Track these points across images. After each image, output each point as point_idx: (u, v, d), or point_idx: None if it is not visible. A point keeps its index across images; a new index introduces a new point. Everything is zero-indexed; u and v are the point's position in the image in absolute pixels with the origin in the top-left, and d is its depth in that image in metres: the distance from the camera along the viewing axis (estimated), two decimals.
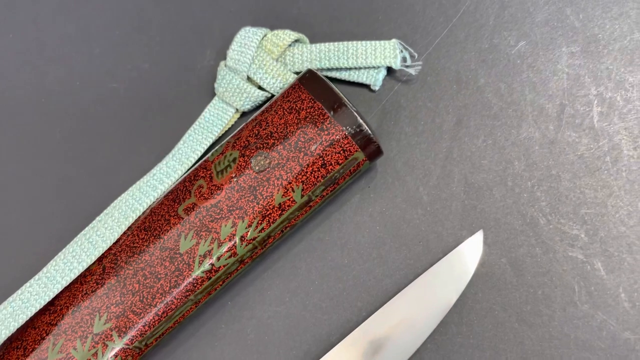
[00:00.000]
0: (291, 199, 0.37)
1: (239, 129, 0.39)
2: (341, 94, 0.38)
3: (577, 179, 0.40)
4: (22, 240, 0.42)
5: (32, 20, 0.45)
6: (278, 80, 0.41)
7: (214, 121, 0.41)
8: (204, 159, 0.39)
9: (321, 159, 0.37)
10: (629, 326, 0.38)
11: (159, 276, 0.37)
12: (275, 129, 0.38)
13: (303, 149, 0.37)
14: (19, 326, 0.37)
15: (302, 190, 0.37)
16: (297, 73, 0.41)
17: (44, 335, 0.37)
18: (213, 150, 0.39)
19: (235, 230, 0.37)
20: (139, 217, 0.39)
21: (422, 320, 0.38)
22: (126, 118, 0.43)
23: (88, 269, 0.38)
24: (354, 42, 0.41)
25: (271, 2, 0.44)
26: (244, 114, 0.42)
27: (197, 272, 0.37)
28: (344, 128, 0.37)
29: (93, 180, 0.42)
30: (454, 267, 0.39)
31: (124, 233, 0.38)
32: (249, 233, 0.37)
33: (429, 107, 0.41)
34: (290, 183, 0.37)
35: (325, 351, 0.39)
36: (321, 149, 0.37)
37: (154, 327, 0.37)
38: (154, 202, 0.39)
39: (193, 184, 0.38)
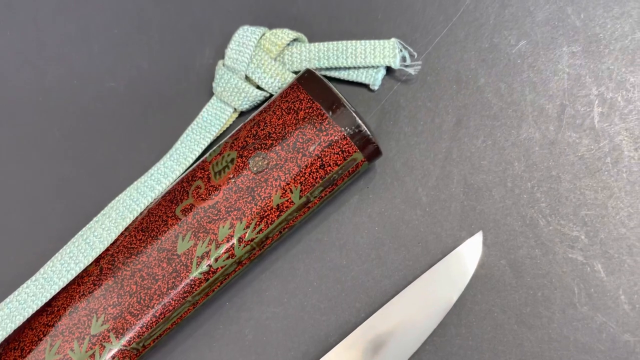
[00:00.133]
0: (289, 200, 0.37)
1: (237, 129, 0.39)
2: (340, 94, 0.38)
3: (578, 180, 0.39)
4: (21, 239, 0.42)
5: (31, 19, 0.45)
6: (276, 79, 0.40)
7: (212, 121, 0.41)
8: (201, 159, 0.39)
9: (320, 159, 0.37)
10: (629, 328, 0.38)
11: (157, 277, 0.37)
12: (273, 130, 0.38)
13: (301, 150, 0.37)
14: (16, 327, 0.37)
15: (301, 191, 0.37)
16: (295, 72, 0.41)
17: (41, 336, 0.37)
18: (211, 151, 0.39)
19: (233, 232, 0.37)
20: (137, 217, 0.39)
21: (421, 322, 0.38)
22: (125, 117, 0.43)
23: (85, 270, 0.38)
24: (353, 41, 0.40)
25: (270, 1, 0.44)
26: (242, 114, 0.42)
27: (195, 274, 0.37)
28: (343, 129, 0.37)
29: (92, 179, 0.42)
30: (453, 268, 0.39)
31: (122, 234, 0.38)
32: (247, 234, 0.37)
33: (428, 107, 0.41)
34: (288, 184, 0.37)
35: (324, 352, 0.39)
36: (320, 149, 0.37)
37: (151, 328, 0.37)
38: (151, 203, 0.39)
39: (191, 185, 0.38)
